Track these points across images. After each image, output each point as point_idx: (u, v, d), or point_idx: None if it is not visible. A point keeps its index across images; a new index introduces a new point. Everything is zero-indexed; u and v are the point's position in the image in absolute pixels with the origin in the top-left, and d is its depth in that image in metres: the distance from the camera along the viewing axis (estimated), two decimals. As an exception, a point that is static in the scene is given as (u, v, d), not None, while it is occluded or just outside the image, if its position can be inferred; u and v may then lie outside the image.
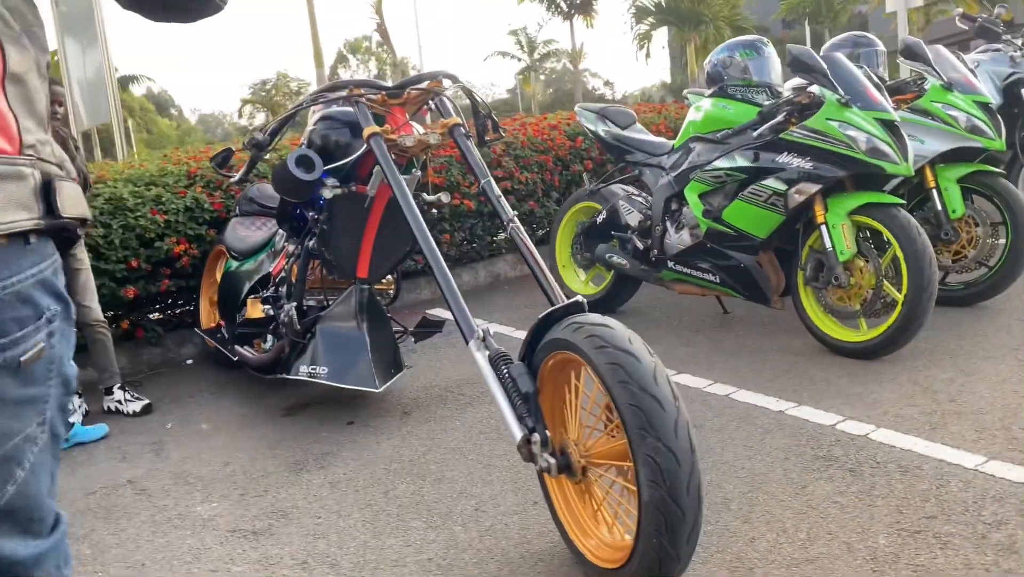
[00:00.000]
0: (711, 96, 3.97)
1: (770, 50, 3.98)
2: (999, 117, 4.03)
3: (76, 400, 3.74)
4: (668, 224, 4.08)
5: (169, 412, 3.77)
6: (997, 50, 5.43)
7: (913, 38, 4.12)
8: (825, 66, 3.46)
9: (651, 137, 4.43)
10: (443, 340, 4.18)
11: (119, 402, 3.76)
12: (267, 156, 3.42)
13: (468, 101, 3.31)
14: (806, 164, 3.44)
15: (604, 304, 4.67)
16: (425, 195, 3.45)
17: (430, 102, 3.09)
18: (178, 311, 4.76)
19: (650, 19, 26.19)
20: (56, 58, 9.09)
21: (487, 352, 2.21)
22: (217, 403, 3.83)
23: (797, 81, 3.71)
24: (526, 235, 2.59)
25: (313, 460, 3.06)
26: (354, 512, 2.61)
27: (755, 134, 3.59)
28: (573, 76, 37.21)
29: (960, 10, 5.69)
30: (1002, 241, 3.95)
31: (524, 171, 5.73)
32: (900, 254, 3.30)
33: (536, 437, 2.00)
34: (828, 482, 2.50)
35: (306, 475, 2.94)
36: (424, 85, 3.05)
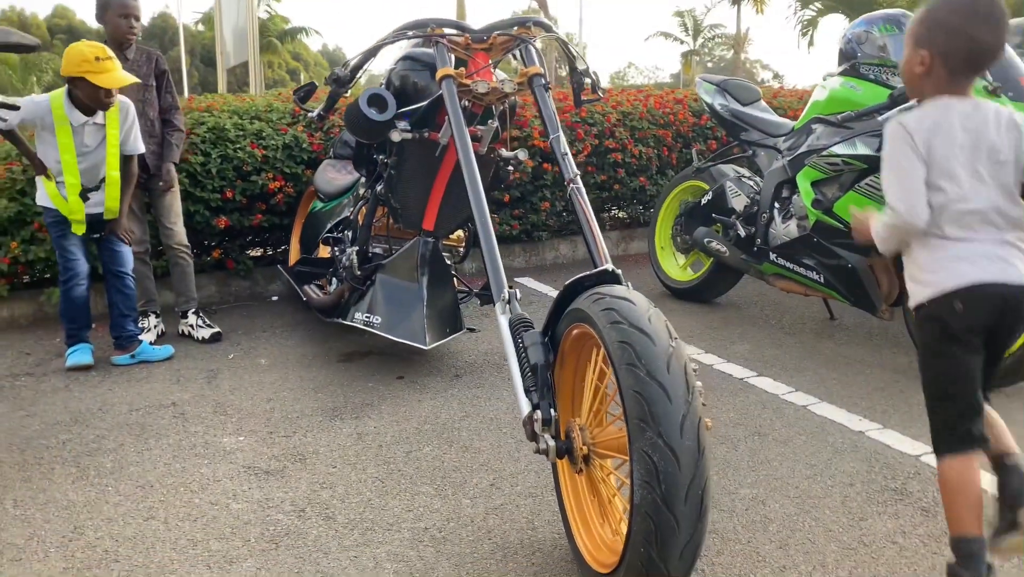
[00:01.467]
0: (841, 74, 3.55)
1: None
2: None
3: (152, 319, 3.83)
4: (776, 212, 3.70)
5: (238, 343, 3.79)
6: None
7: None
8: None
9: (772, 116, 4.03)
10: (517, 308, 3.99)
11: (191, 327, 3.81)
12: (348, 92, 3.32)
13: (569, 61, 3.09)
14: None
15: (699, 293, 4.35)
16: (503, 151, 3.26)
17: (517, 50, 2.89)
18: (270, 248, 4.81)
19: (817, 4, 24.57)
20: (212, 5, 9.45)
21: (509, 316, 2.01)
22: (284, 340, 3.82)
23: None
24: (586, 198, 2.38)
25: (351, 409, 2.96)
26: (370, 467, 2.49)
27: (881, 119, 3.16)
28: (734, 63, 35.75)
29: None
30: None
31: (639, 144, 5.42)
32: None
33: (538, 414, 1.79)
34: (893, 519, 2.15)
35: (338, 422, 2.84)
36: (513, 31, 2.85)
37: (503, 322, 2.02)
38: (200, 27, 34.55)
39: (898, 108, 3.11)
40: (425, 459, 2.54)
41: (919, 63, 1.78)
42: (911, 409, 2.88)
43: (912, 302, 1.81)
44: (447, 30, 2.83)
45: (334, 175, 3.99)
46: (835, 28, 27.11)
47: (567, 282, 1.90)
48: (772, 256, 3.71)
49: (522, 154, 3.17)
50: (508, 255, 5.37)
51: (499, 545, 2.05)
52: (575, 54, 3.10)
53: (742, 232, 3.88)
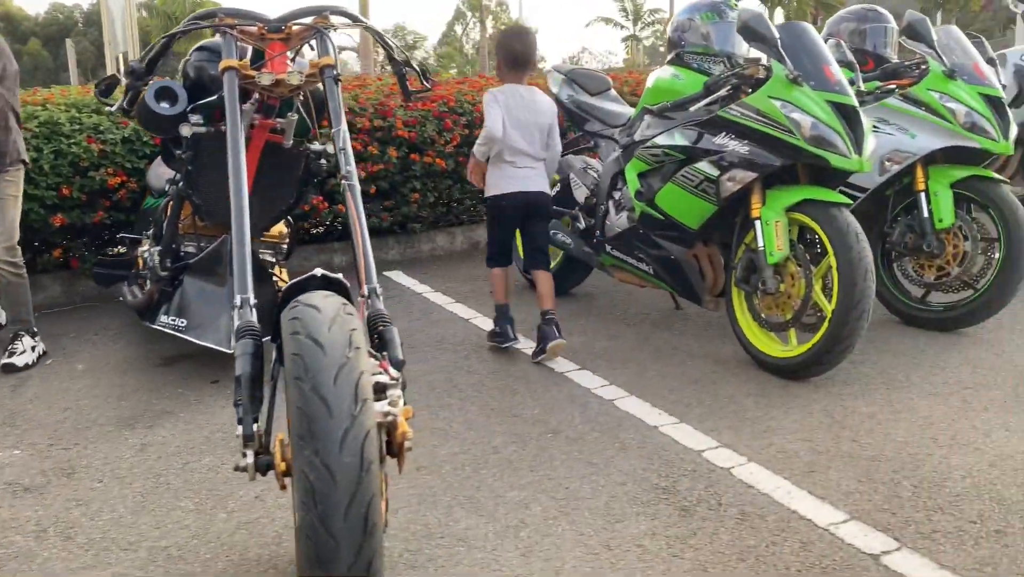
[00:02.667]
0: (669, 63, 3.51)
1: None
2: (1009, 115, 3.43)
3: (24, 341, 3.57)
4: (611, 204, 3.67)
5: (64, 347, 3.64)
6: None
7: (918, 14, 3.53)
8: (777, 35, 2.96)
9: (615, 106, 3.99)
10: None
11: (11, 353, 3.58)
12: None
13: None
14: (742, 148, 2.97)
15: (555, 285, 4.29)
16: (316, 144, 3.16)
17: (313, 40, 2.79)
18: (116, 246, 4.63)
19: (749, -11, 24.98)
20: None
21: (238, 321, 1.92)
22: (111, 344, 3.68)
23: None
24: (359, 196, 2.29)
25: (149, 417, 2.85)
26: (137, 481, 2.39)
27: (692, 109, 3.13)
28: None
29: (1016, -9, 4.94)
30: (998, 259, 3.37)
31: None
32: (833, 262, 2.83)
33: (240, 429, 1.71)
34: (650, 520, 2.12)
35: (127, 432, 2.73)
36: (310, 21, 2.75)
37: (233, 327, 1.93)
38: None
39: (707, 99, 3.08)
40: (199, 471, 2.45)
41: (498, 65, 3.48)
42: (716, 400, 2.87)
43: (486, 195, 3.42)
44: (239, 20, 2.72)
45: (163, 170, 3.84)
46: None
47: (283, 288, 1.81)
48: (608, 248, 3.68)
49: (331, 147, 3.07)
50: (381, 248, 5.27)
51: (235, 562, 1.98)
52: (392, 45, 3.00)
53: (583, 224, 3.84)
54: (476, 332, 3.69)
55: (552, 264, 4.36)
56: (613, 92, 4.18)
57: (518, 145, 3.30)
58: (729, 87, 3.08)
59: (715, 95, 3.09)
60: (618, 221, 3.58)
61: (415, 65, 3.07)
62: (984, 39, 3.91)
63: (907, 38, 3.57)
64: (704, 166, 3.08)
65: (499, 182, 3.36)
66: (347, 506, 1.44)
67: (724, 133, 3.03)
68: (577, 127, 4.06)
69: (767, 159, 2.93)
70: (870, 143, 2.95)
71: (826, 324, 2.84)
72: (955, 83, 3.40)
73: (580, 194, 3.89)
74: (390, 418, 1.61)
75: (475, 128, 5.25)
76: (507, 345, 3.40)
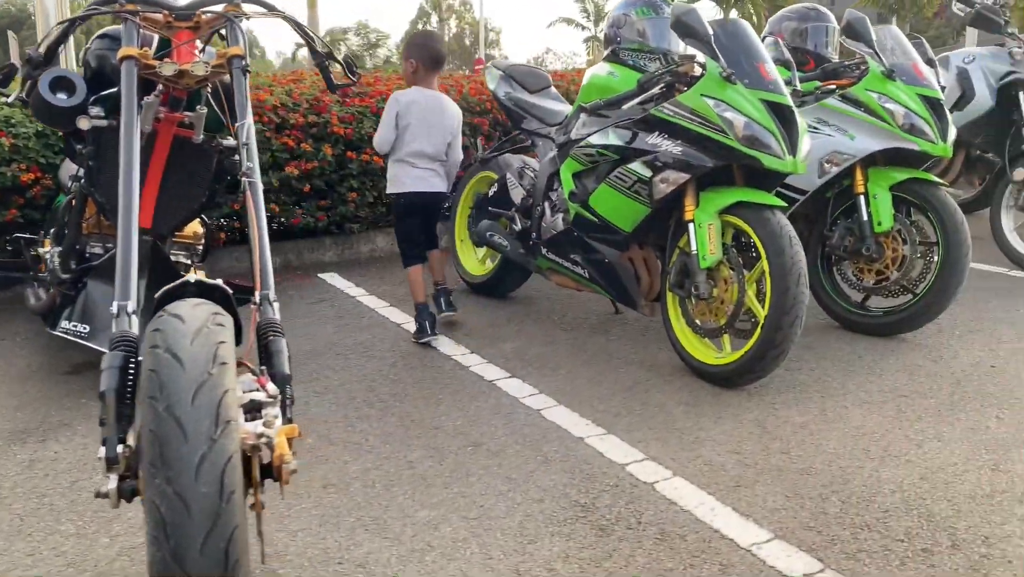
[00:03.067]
0: (605, 59, 3.40)
1: (676, 11, 3.39)
2: (948, 117, 3.37)
3: None
4: (547, 205, 3.55)
5: (-32, 354, 3.42)
6: (1001, 45, 4.72)
7: (858, 13, 3.46)
8: (711, 31, 2.86)
9: (554, 104, 3.87)
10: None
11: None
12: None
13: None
14: (675, 148, 2.87)
15: (493, 287, 4.17)
16: (230, 139, 2.99)
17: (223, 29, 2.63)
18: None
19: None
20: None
21: (114, 329, 1.76)
22: (19, 350, 3.46)
23: None
24: (260, 195, 2.13)
25: (44, 430, 2.66)
26: (18, 502, 2.21)
27: (626, 107, 3.03)
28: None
29: (958, -8, 4.92)
30: (937, 263, 3.31)
31: (452, 132, 5.21)
32: (766, 267, 2.74)
33: (102, 451, 1.55)
34: (564, 540, 2.00)
35: (17, 447, 2.54)
36: (219, 9, 2.58)
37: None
38: None
39: (639, 97, 2.98)
40: (88, 490, 2.27)
41: (409, 68, 3.58)
42: (646, 410, 2.76)
43: (387, 191, 3.66)
44: (142, 6, 2.55)
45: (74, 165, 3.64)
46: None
47: (156, 296, 1.66)
48: (544, 250, 3.56)
49: (233, 140, 2.91)
50: (317, 249, 5.11)
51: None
52: (312, 36, 2.85)
53: (519, 225, 3.72)
54: (406, 337, 3.55)
55: (490, 267, 4.27)
56: (553, 90, 4.07)
57: (421, 147, 3.49)
58: (663, 85, 2.98)
59: (648, 93, 2.99)
60: (554, 223, 3.46)
61: (339, 57, 2.93)
62: (924, 40, 3.86)
63: (847, 37, 3.50)
64: (637, 167, 2.97)
65: (399, 180, 3.55)
66: (203, 540, 1.29)
67: (657, 133, 2.92)
68: (515, 125, 3.94)
69: (700, 160, 2.83)
70: (805, 144, 2.87)
71: (759, 330, 2.75)
72: (894, 84, 3.34)
73: (517, 195, 3.76)
74: (264, 440, 1.47)
75: (416, 126, 5.11)
76: (425, 340, 3.43)
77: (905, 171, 3.36)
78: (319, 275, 4.77)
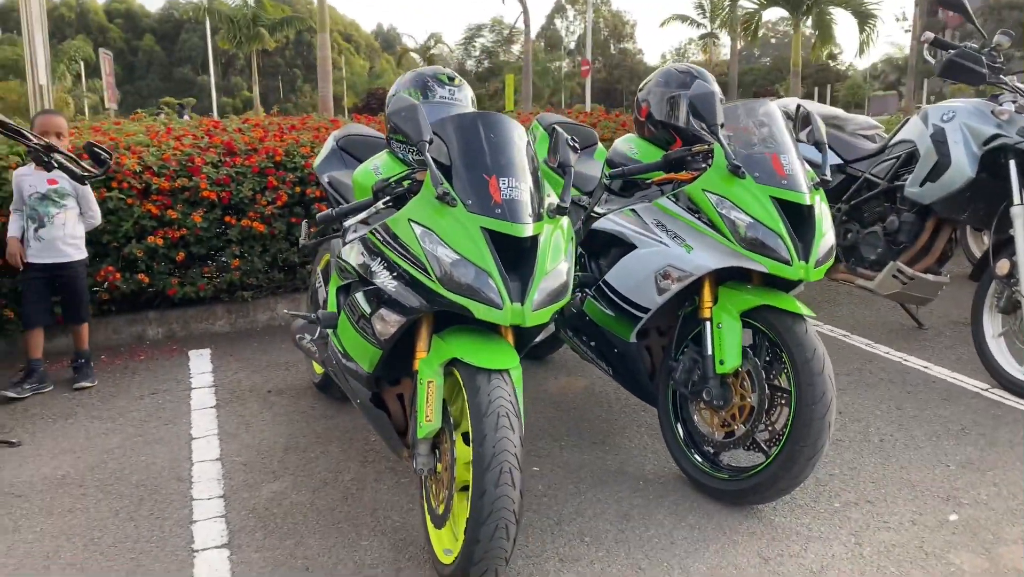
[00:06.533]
0: (385, 151, 2.79)
1: (463, 92, 2.74)
2: (822, 227, 2.53)
3: None
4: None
5: None
6: (996, 96, 3.76)
7: (706, 87, 2.63)
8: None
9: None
10: None
11: None
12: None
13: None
14: (389, 282, 2.23)
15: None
16: None
17: None
18: None
19: (760, -2, 23.71)
20: None
21: None
22: None
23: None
24: None
25: None
26: None
27: (347, 224, 2.41)
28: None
29: (930, 34, 3.85)
30: (788, 420, 2.49)
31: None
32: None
33: None
34: None
35: None
36: None
37: None
38: None
39: (385, 200, 2.34)
40: None
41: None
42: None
43: None
44: None
45: None
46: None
47: None
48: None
49: None
50: (207, 318, 4.72)
51: None
52: (27, 135, 2.43)
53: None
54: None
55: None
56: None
57: None
58: (392, 194, 2.33)
59: (382, 199, 2.33)
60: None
61: (63, 151, 2.49)
62: (842, 112, 3.00)
63: (691, 116, 2.72)
64: (360, 297, 2.36)
65: None
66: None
67: (372, 255, 2.30)
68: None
69: (407, 299, 2.18)
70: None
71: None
72: (741, 183, 2.53)
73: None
74: None
75: (308, 185, 4.63)
76: None
77: (760, 293, 2.57)
78: (190, 351, 4.37)
